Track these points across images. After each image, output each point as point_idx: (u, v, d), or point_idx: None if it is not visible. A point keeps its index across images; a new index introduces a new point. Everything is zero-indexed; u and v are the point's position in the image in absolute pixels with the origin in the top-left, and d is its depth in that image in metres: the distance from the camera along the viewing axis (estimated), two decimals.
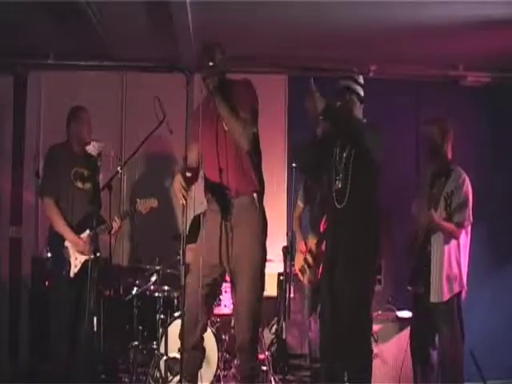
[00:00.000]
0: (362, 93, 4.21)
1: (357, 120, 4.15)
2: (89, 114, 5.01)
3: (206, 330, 4.03)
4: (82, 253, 4.71)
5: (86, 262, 4.69)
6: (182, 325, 3.82)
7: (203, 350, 4.03)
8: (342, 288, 4.01)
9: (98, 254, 4.73)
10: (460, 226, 4.47)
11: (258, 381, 4.06)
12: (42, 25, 5.32)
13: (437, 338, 4.57)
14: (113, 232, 4.78)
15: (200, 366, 4.06)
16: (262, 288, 3.97)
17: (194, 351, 3.93)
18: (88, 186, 4.87)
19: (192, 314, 3.87)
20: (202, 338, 3.99)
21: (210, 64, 3.89)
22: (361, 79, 4.25)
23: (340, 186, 4.06)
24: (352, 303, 4.00)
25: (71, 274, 4.71)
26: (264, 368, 5.38)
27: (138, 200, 4.95)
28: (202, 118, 3.85)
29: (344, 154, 4.11)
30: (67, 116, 4.99)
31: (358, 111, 4.19)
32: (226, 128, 3.92)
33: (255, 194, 3.97)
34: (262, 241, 3.97)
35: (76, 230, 4.76)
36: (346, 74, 4.25)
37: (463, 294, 4.53)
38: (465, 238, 4.54)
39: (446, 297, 4.44)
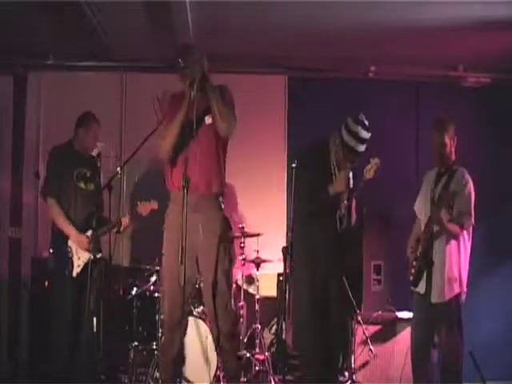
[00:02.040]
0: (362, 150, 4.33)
1: None
2: (98, 122, 5.04)
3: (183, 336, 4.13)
4: (86, 250, 4.71)
5: (88, 261, 4.70)
6: (173, 323, 3.86)
7: (182, 359, 4.16)
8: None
9: (99, 255, 4.74)
10: (462, 227, 4.49)
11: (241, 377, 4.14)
12: (41, 25, 5.32)
13: (436, 338, 4.58)
14: (122, 229, 4.83)
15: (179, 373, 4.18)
16: (231, 287, 4.12)
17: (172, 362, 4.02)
18: (91, 186, 4.90)
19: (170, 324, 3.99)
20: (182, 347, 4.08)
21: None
22: (366, 136, 4.35)
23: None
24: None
25: (74, 274, 4.72)
26: (264, 368, 5.39)
27: (138, 203, 4.96)
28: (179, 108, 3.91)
29: None
30: (77, 120, 5.01)
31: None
32: (211, 119, 3.97)
33: (221, 197, 4.09)
34: (227, 241, 4.09)
35: (80, 229, 4.77)
36: (349, 128, 4.33)
37: (463, 296, 4.54)
38: (465, 240, 4.55)
39: (447, 297, 4.45)
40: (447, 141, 4.58)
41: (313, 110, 6.18)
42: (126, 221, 4.86)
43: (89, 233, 4.76)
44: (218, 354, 4.97)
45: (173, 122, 3.98)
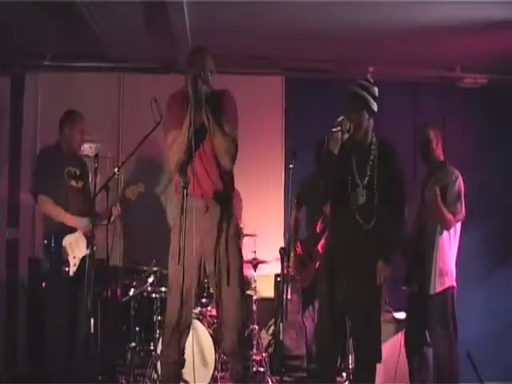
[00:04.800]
0: (373, 105, 4.03)
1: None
2: (83, 118, 5.04)
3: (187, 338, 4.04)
4: (87, 232, 4.72)
5: (83, 260, 4.70)
6: (179, 325, 3.84)
7: (183, 361, 4.05)
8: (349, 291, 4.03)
9: (94, 248, 4.71)
10: (453, 217, 4.54)
11: (250, 381, 4.09)
12: (39, 26, 5.32)
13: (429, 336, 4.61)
14: (113, 219, 4.85)
15: (180, 377, 4.09)
16: (244, 289, 4.06)
17: (174, 364, 3.95)
18: (81, 184, 4.95)
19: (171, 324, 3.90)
20: (183, 350, 4.01)
21: (201, 69, 3.85)
22: (375, 91, 4.05)
23: (363, 202, 3.99)
24: (362, 306, 4.01)
25: (71, 273, 4.72)
26: (261, 369, 5.40)
27: (126, 189, 5.00)
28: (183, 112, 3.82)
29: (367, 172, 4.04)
30: (61, 119, 5.02)
31: (366, 123, 4.04)
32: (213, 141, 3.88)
33: (230, 200, 4.01)
34: (237, 241, 4.03)
35: None
36: (357, 81, 4.07)
37: (455, 291, 4.58)
38: (455, 235, 4.63)
39: (438, 289, 4.50)
40: (430, 140, 4.69)
41: (310, 111, 6.18)
42: (116, 210, 4.88)
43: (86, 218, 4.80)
44: (218, 355, 5.00)
45: (179, 134, 3.84)
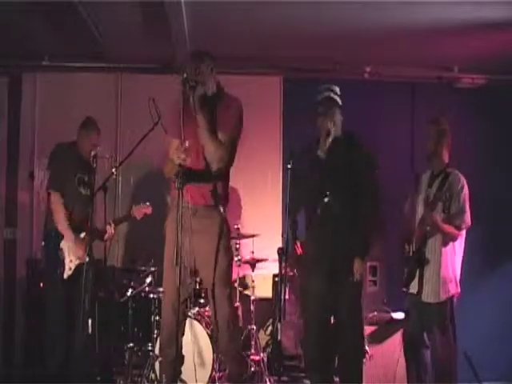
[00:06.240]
0: (340, 102, 4.36)
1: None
2: (99, 132, 5.08)
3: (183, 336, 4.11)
4: (79, 257, 4.72)
5: (80, 263, 4.69)
6: (178, 324, 3.85)
7: (182, 357, 4.12)
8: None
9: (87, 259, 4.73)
10: (458, 228, 4.50)
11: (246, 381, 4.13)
12: (37, 26, 5.32)
13: (428, 339, 4.60)
14: (106, 237, 4.87)
15: (179, 372, 4.15)
16: (232, 287, 4.12)
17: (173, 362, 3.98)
18: (87, 191, 4.93)
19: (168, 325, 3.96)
20: (181, 347, 4.04)
21: (196, 73, 3.89)
22: (337, 89, 4.41)
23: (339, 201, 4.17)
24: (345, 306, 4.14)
25: (65, 276, 4.72)
26: (259, 369, 5.39)
27: (133, 206, 5.14)
28: (183, 115, 3.79)
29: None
30: (80, 125, 5.04)
31: (340, 121, 4.35)
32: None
33: (221, 206, 4.04)
34: (226, 243, 4.05)
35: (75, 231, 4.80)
36: (326, 86, 4.40)
37: (456, 297, 4.56)
38: (460, 241, 4.57)
39: (442, 298, 4.46)
40: (437, 140, 4.60)
41: (309, 111, 6.17)
42: (110, 229, 4.93)
43: (82, 235, 4.77)
44: (216, 355, 5.00)
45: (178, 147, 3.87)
